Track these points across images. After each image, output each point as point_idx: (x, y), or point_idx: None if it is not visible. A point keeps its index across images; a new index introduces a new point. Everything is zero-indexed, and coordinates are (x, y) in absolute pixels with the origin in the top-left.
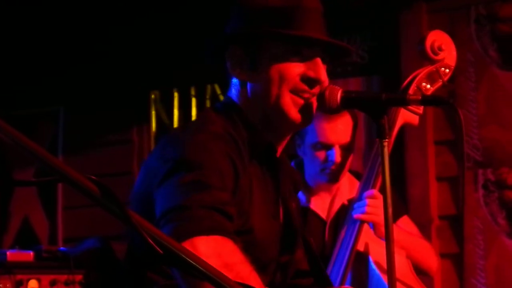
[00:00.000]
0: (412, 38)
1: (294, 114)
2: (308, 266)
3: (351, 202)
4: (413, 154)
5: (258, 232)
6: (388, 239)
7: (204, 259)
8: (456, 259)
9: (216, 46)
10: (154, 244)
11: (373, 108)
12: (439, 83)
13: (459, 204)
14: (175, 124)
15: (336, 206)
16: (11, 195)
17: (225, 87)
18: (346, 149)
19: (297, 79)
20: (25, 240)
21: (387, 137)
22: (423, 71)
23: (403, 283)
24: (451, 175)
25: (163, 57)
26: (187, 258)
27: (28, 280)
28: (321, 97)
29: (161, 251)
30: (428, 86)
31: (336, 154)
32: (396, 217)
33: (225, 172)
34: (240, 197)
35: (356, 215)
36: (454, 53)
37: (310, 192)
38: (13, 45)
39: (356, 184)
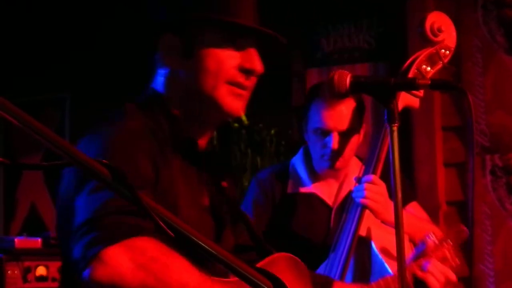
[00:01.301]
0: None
1: (229, 105)
2: (249, 240)
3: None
4: (420, 140)
5: (187, 224)
6: (397, 224)
7: (117, 269)
8: (462, 245)
9: (149, 33)
10: (165, 227)
11: (381, 93)
12: (439, 65)
13: (468, 190)
14: None
15: (344, 192)
16: (18, 182)
17: None
18: (345, 135)
19: (233, 70)
20: (33, 227)
21: (397, 121)
22: (423, 53)
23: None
24: (458, 161)
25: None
26: (198, 241)
27: (36, 266)
28: (330, 81)
29: (172, 234)
30: (429, 68)
31: (334, 141)
32: (405, 203)
33: (143, 169)
34: (163, 191)
35: (358, 199)
36: (454, 34)
37: (317, 178)
38: (20, 31)
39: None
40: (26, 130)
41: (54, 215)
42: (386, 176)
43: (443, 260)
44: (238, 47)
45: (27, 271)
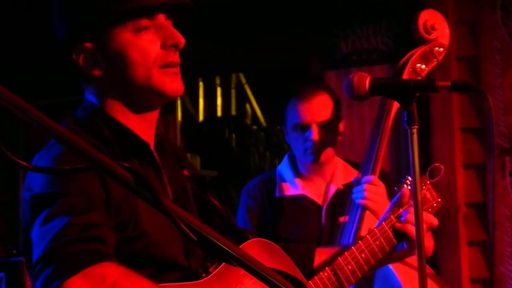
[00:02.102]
0: None
1: (169, 87)
2: (223, 227)
3: (347, 187)
4: (439, 141)
5: (152, 232)
6: (417, 226)
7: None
8: (483, 247)
9: (61, 50)
10: (188, 231)
11: (401, 95)
12: (433, 63)
13: (489, 192)
14: (201, 113)
15: (332, 191)
16: None
17: (250, 76)
18: (326, 128)
19: (158, 52)
20: None
21: (416, 123)
22: (417, 52)
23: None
24: (477, 162)
25: (188, 47)
26: (221, 245)
27: None
28: (349, 84)
29: (195, 238)
30: (423, 66)
31: (314, 133)
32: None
33: (91, 190)
34: (118, 206)
35: (358, 200)
36: (447, 31)
37: (304, 179)
38: (41, 35)
39: (351, 171)
40: (49, 135)
41: None
42: (382, 177)
43: (424, 202)
44: (151, 28)
45: None
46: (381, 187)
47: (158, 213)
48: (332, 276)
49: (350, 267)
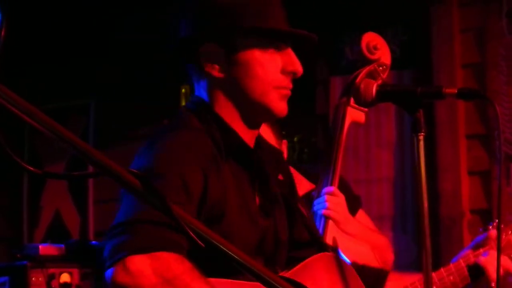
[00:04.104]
0: (444, 32)
1: (279, 108)
2: (306, 237)
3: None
4: (444, 148)
5: (237, 233)
6: (425, 234)
7: (138, 279)
8: None
9: (187, 45)
10: (195, 238)
11: (408, 102)
12: (378, 81)
13: (495, 198)
14: None
15: None
16: (43, 189)
17: None
18: None
19: (278, 74)
20: (56, 234)
21: (423, 131)
22: (363, 71)
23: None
24: (482, 169)
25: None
26: (228, 251)
27: (60, 273)
28: (356, 91)
29: (202, 244)
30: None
31: None
32: (354, 211)
33: (192, 184)
34: (212, 202)
35: (320, 211)
36: (388, 51)
37: None
38: (46, 39)
39: (302, 181)
40: (57, 140)
41: (77, 222)
42: (341, 183)
43: (507, 247)
44: (278, 50)
45: (51, 278)
46: (341, 198)
47: (244, 213)
48: None
49: None
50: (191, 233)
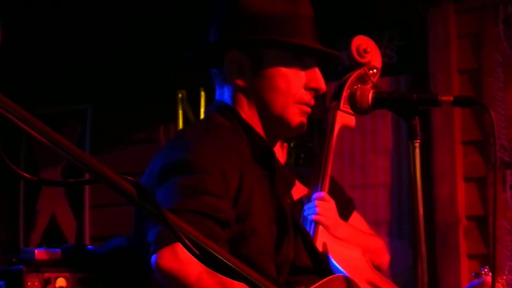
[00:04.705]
0: (440, 37)
1: (298, 124)
2: (309, 261)
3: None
4: (440, 154)
5: (258, 235)
6: (419, 240)
7: (185, 265)
8: (483, 260)
9: (213, 50)
10: (190, 245)
11: (404, 109)
12: (369, 85)
13: (491, 205)
14: None
15: None
16: (39, 193)
17: None
18: None
19: (301, 90)
20: (52, 238)
21: (418, 138)
22: (353, 75)
23: (363, 279)
24: (478, 175)
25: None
26: (223, 259)
27: (56, 278)
28: (352, 97)
29: (197, 252)
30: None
31: None
32: (348, 215)
33: (229, 177)
34: (243, 200)
35: (310, 217)
36: (378, 55)
37: None
38: (41, 43)
39: (297, 185)
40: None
41: (73, 227)
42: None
43: None
44: (304, 66)
45: (47, 282)
46: (331, 203)
47: (264, 218)
48: None
49: None
50: (186, 241)
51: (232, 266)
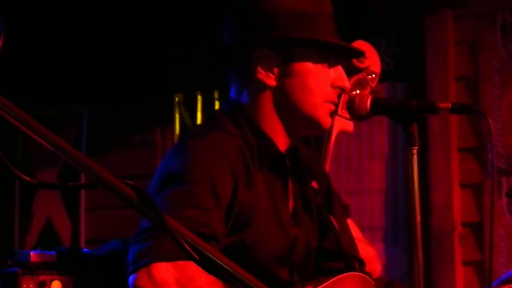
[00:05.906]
0: (438, 44)
1: (326, 123)
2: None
3: None
4: (437, 160)
5: (265, 240)
6: (417, 248)
7: (159, 286)
8: (478, 267)
9: (235, 50)
10: (190, 250)
11: (402, 116)
12: (368, 89)
13: (487, 212)
14: None
15: None
16: (34, 195)
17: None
18: None
19: (329, 88)
20: (48, 241)
21: (416, 145)
22: (352, 80)
23: None
24: (474, 182)
25: (187, 60)
26: (223, 265)
27: (51, 281)
28: (350, 104)
29: (197, 257)
30: (358, 92)
31: None
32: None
33: (220, 188)
34: (239, 209)
35: None
36: (377, 60)
37: None
38: (38, 44)
39: None
40: (51, 150)
41: (69, 229)
42: None
43: None
44: (330, 64)
45: (42, 285)
46: None
47: (275, 222)
48: None
49: None
50: (185, 245)
51: (231, 271)
